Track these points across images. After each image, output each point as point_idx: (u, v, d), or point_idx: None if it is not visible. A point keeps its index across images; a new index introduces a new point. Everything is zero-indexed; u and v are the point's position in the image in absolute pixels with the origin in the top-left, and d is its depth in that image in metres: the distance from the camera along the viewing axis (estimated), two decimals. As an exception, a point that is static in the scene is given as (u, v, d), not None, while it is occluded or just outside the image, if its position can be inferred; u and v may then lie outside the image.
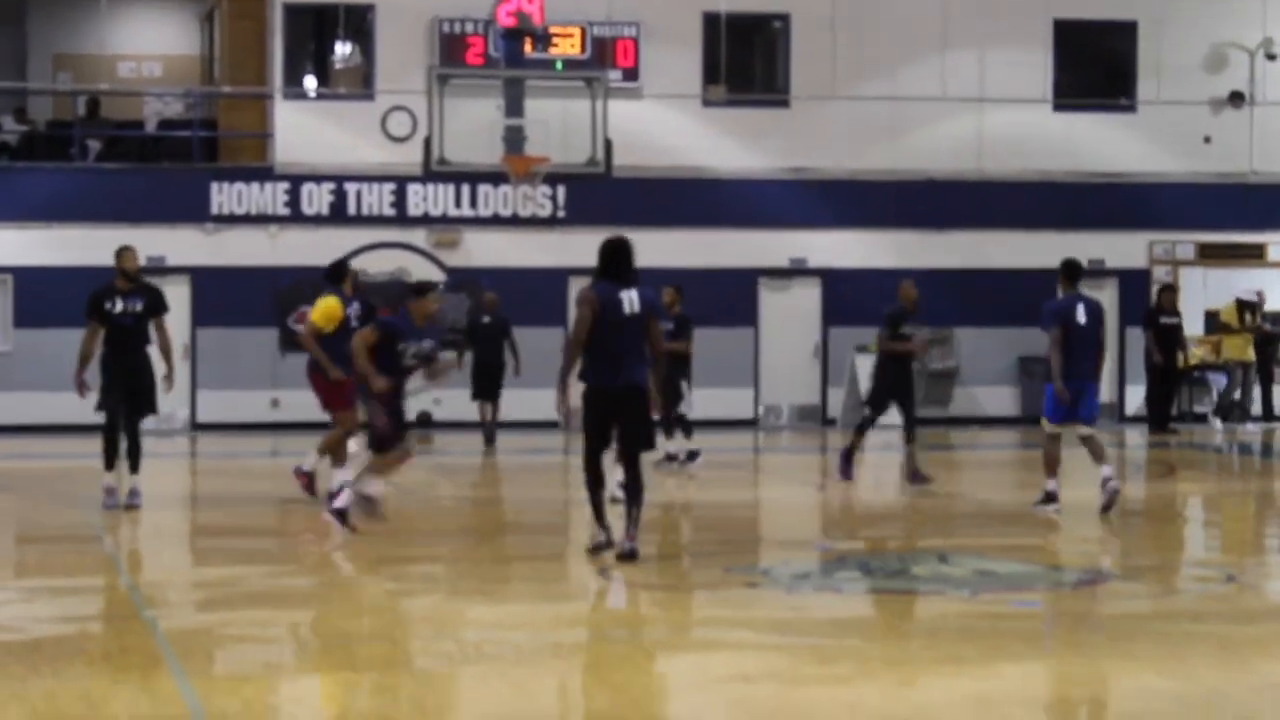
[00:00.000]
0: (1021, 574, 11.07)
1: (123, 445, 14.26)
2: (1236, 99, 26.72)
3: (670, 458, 18.03)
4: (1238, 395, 25.59)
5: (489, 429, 21.63)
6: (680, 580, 11.10)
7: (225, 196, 24.74)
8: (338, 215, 24.93)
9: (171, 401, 21.76)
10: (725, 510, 15.40)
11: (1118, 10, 26.68)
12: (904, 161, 26.05)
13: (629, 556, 11.04)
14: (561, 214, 25.22)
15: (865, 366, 25.33)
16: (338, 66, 25.04)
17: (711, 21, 25.40)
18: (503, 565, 11.82)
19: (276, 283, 24.51)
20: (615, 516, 11.40)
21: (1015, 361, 25.98)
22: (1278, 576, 12.06)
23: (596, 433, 11.18)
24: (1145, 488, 17.14)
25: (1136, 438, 23.44)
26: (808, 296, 26.16)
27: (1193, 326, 25.72)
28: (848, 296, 25.78)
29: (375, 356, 12.42)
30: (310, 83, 25.55)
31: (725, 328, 25.00)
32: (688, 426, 18.28)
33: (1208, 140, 26.72)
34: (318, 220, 24.89)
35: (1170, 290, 24.72)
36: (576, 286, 19.68)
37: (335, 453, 14.35)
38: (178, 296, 22.68)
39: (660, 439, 15.02)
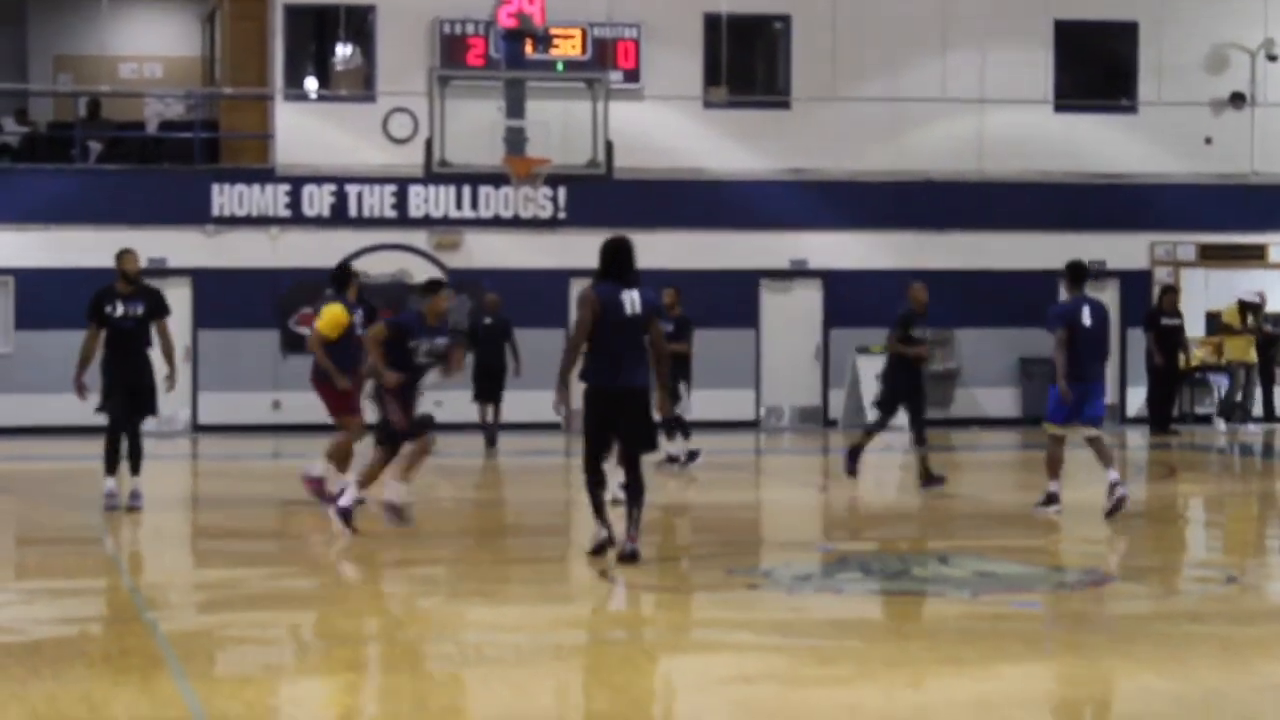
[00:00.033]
0: (1022, 575, 11.07)
1: (123, 447, 14.27)
2: (1237, 100, 26.73)
3: (671, 459, 18.04)
4: (1239, 397, 25.58)
5: (490, 431, 21.63)
6: (681, 582, 11.10)
7: (226, 198, 24.76)
8: (339, 217, 24.95)
9: (173, 403, 21.81)
10: (726, 512, 15.40)
11: (1118, 11, 26.69)
12: (905, 162, 26.06)
13: (630, 558, 11.03)
14: (562, 215, 25.23)
15: (866, 367, 25.37)
16: (339, 68, 25.04)
17: (712, 23, 25.42)
18: (504, 567, 11.82)
19: (278, 284, 24.53)
20: (616, 518, 11.40)
21: (1016, 362, 26.00)
22: (1278, 578, 12.05)
23: (597, 434, 11.17)
24: (1146, 489, 17.13)
25: (1138, 439, 23.44)
26: (809, 298, 26.17)
27: (1194, 328, 25.73)
28: (849, 298, 25.79)
29: (386, 353, 12.46)
30: (311, 84, 25.55)
31: (726, 329, 25.01)
32: (685, 427, 18.29)
33: (1209, 141, 26.75)
34: (319, 222, 24.90)
35: (1171, 291, 24.72)
36: (577, 288, 19.70)
37: (343, 458, 14.35)
38: (179, 298, 22.70)
39: (661, 440, 15.03)
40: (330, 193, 24.97)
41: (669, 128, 25.52)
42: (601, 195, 24.26)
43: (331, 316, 14.26)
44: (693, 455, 18.29)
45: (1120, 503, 13.71)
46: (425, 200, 25.09)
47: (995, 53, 26.16)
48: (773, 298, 26.09)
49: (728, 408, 24.97)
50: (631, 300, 11.06)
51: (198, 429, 24.49)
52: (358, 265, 21.30)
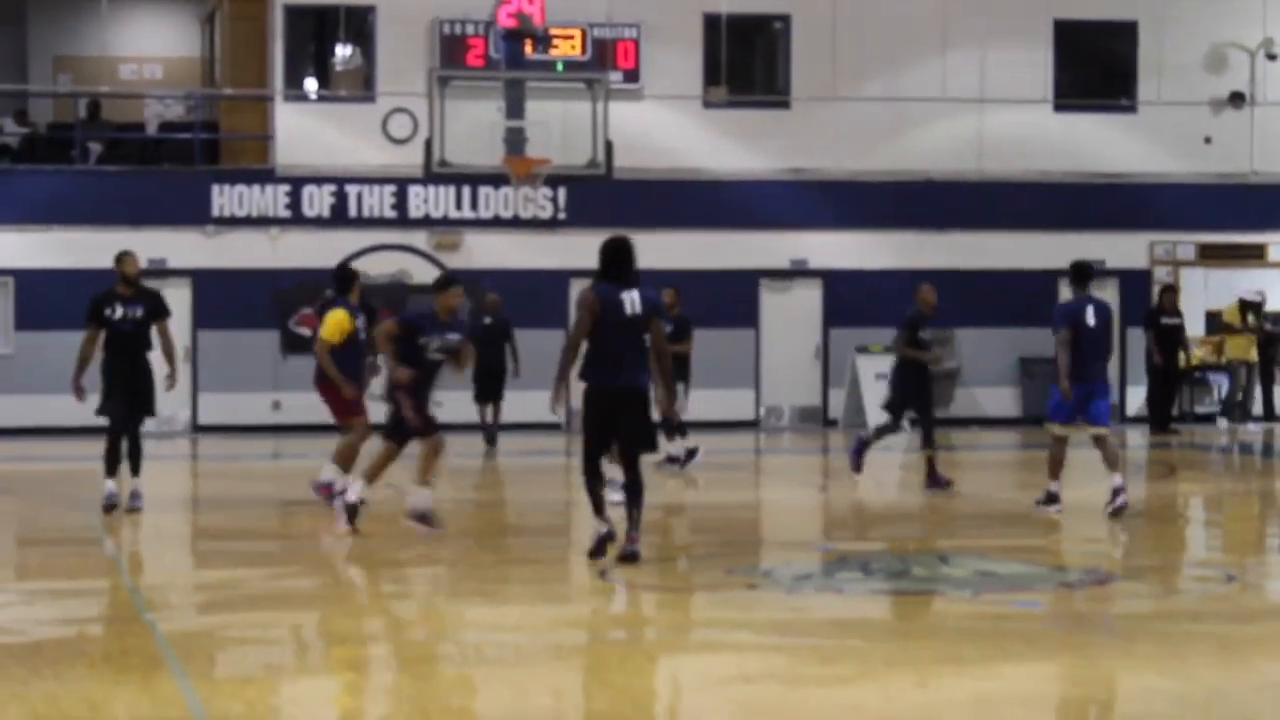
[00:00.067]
0: (1023, 574, 11.07)
1: (123, 448, 14.25)
2: (1237, 99, 26.73)
3: (672, 459, 18.03)
4: (1240, 396, 25.59)
5: (490, 431, 21.63)
6: (681, 582, 11.10)
7: (226, 199, 24.76)
8: (339, 217, 24.95)
9: (173, 404, 21.82)
10: (726, 511, 15.40)
11: (1118, 10, 26.68)
12: (904, 162, 26.06)
13: (630, 558, 11.02)
14: (562, 215, 25.23)
15: (866, 367, 25.39)
16: (338, 68, 25.05)
17: (712, 23, 25.41)
18: (504, 567, 11.82)
19: (278, 285, 24.53)
20: (616, 518, 11.37)
21: (1016, 362, 26.01)
22: (1278, 576, 12.05)
23: (597, 434, 11.15)
24: (1146, 488, 17.13)
25: (1137, 438, 23.44)
26: (808, 298, 26.17)
27: (1194, 327, 25.74)
28: (848, 298, 25.80)
29: (397, 350, 12.47)
30: (311, 85, 25.54)
31: (726, 329, 25.01)
32: (681, 427, 18.26)
33: (1208, 140, 26.74)
34: (319, 222, 24.90)
35: (1171, 291, 24.73)
36: (577, 288, 19.69)
37: (350, 460, 14.36)
38: (179, 299, 22.73)
39: (661, 440, 15.02)
40: (330, 193, 24.97)
41: (669, 128, 25.53)
42: (601, 195, 24.26)
43: (335, 322, 14.26)
44: (691, 453, 18.29)
45: (1122, 510, 13.71)
46: (425, 201, 25.09)
47: (995, 52, 26.16)
48: (772, 298, 26.09)
49: (727, 408, 24.98)
50: (632, 300, 11.03)
51: (198, 429, 24.49)
52: (357, 265, 21.36)
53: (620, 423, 11.08)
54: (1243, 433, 24.56)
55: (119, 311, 14.04)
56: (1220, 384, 26.01)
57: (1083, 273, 14.28)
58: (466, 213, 25.19)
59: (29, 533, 14.24)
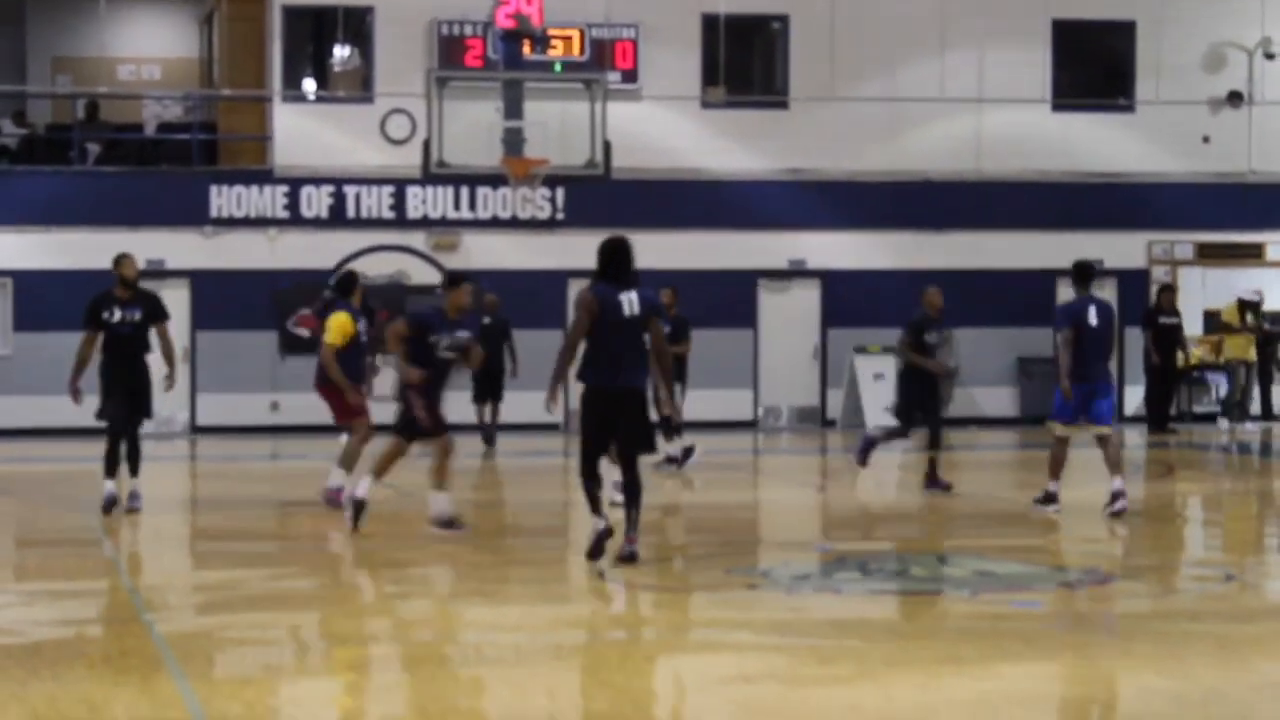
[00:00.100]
0: (1021, 574, 11.10)
1: (122, 449, 14.26)
2: (1235, 99, 26.76)
3: (670, 460, 18.04)
4: (1239, 395, 25.61)
5: (489, 431, 21.64)
6: (680, 582, 11.12)
7: (224, 199, 24.77)
8: (337, 218, 24.96)
9: (171, 404, 21.83)
10: (725, 512, 15.41)
11: (1116, 10, 26.72)
12: (903, 162, 26.08)
13: (629, 559, 11.04)
14: (561, 216, 25.25)
15: (864, 367, 25.42)
16: (336, 69, 25.07)
17: (710, 23, 25.44)
18: (503, 568, 11.83)
19: (276, 286, 24.54)
20: (615, 519, 11.37)
21: (1014, 362, 26.04)
22: (1277, 576, 12.09)
23: (595, 434, 11.15)
24: (1145, 487, 17.14)
25: (1135, 438, 23.46)
26: (807, 298, 26.19)
27: (1192, 326, 25.77)
28: (847, 298, 25.82)
29: (408, 349, 12.47)
30: (310, 85, 25.55)
31: (724, 329, 25.04)
32: (677, 427, 18.25)
33: (1206, 140, 26.77)
34: (317, 223, 24.92)
35: (1169, 290, 24.76)
36: (576, 288, 19.68)
37: (354, 462, 14.36)
38: (177, 300, 22.74)
39: (660, 441, 15.03)
40: (328, 194, 24.99)
41: (667, 128, 25.55)
42: (600, 196, 24.28)
43: (339, 326, 14.30)
44: (688, 452, 18.29)
45: (1119, 514, 13.71)
46: (423, 201, 25.11)
47: (993, 52, 26.19)
48: (771, 298, 26.11)
49: (726, 408, 25.00)
50: (630, 301, 11.04)
51: (196, 430, 24.50)
52: (355, 266, 21.39)
53: (618, 423, 11.07)
54: (1241, 432, 24.58)
55: (117, 314, 14.02)
56: (1218, 383, 26.03)
57: (1085, 272, 14.29)
58: (465, 213, 25.21)
59: (28, 534, 14.26)
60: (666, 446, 17.74)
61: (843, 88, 25.76)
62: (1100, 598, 10.44)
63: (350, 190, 25.02)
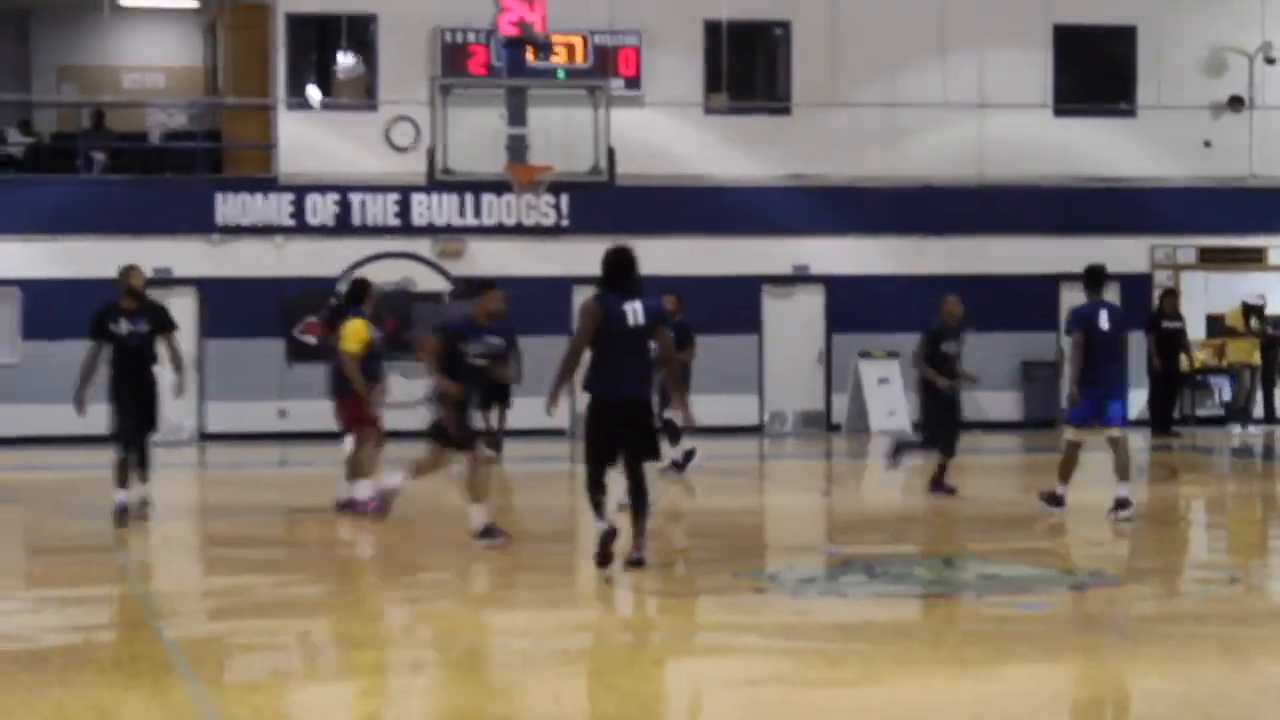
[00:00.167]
0: (1026, 577, 11.12)
1: (132, 458, 14.28)
2: (1236, 103, 26.81)
3: (676, 465, 18.09)
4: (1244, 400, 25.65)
5: (495, 437, 21.66)
6: (687, 586, 11.14)
7: (230, 207, 24.85)
8: (342, 225, 25.03)
9: (179, 412, 21.88)
10: (731, 516, 15.45)
11: (1117, 15, 26.77)
12: (905, 167, 26.14)
13: (636, 564, 11.07)
14: (565, 222, 25.30)
15: (869, 372, 25.48)
16: (340, 77, 25.13)
17: (713, 30, 25.51)
18: (510, 573, 11.85)
19: (282, 293, 24.59)
20: (623, 525, 11.36)
21: (1018, 366, 26.09)
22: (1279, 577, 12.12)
23: (601, 445, 11.14)
24: (1149, 491, 17.18)
25: (1139, 441, 23.47)
26: (810, 303, 26.24)
27: (1194, 331, 25.81)
28: (850, 303, 25.87)
29: (442, 361, 12.51)
30: (316, 93, 25.59)
31: (729, 335, 25.08)
32: (676, 432, 18.28)
33: (1208, 144, 26.80)
34: (322, 231, 24.98)
35: (1172, 295, 24.80)
36: (580, 295, 19.76)
37: (363, 469, 14.39)
38: (184, 308, 22.81)
39: (665, 447, 15.07)
40: (333, 202, 25.06)
41: (670, 134, 25.62)
42: (604, 202, 24.34)
43: (355, 332, 14.33)
44: (689, 455, 18.31)
45: (1123, 522, 13.66)
46: (428, 208, 25.17)
47: (994, 57, 26.26)
48: (775, 303, 26.17)
49: (731, 413, 25.03)
50: (634, 311, 11.07)
51: (204, 438, 24.56)
52: (361, 273, 21.42)
53: (623, 433, 11.08)
54: (1244, 435, 24.61)
55: (124, 326, 13.95)
56: (1221, 387, 26.06)
57: (1096, 277, 14.28)
58: (470, 220, 25.27)
59: (37, 541, 14.28)
60: (669, 451, 17.78)
61: (845, 93, 25.83)
62: (1105, 600, 10.46)
63: (355, 198, 25.09)
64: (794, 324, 26.11)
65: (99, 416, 14.19)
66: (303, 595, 10.94)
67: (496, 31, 22.12)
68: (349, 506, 14.39)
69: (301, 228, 24.93)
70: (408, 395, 18.91)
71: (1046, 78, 26.55)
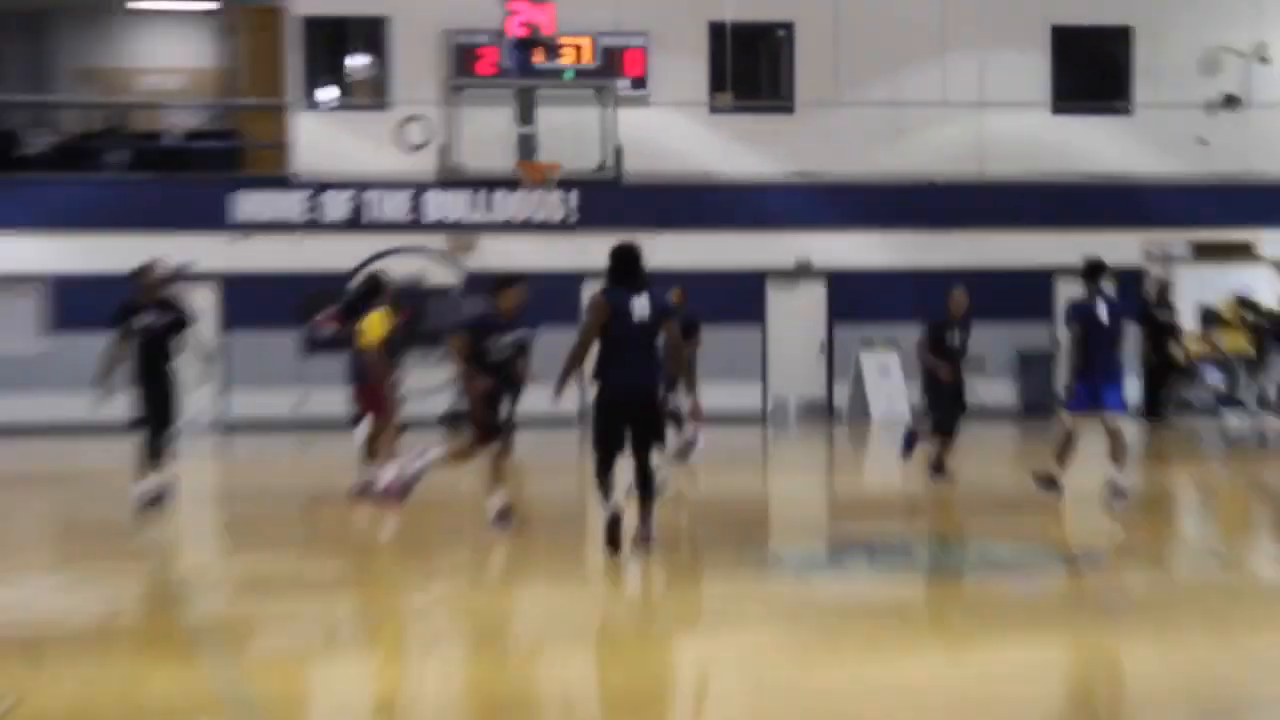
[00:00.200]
0: (1023, 557, 11.26)
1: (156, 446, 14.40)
2: (1231, 101, 27.01)
3: (681, 451, 18.41)
4: (1237, 389, 25.95)
5: (505, 426, 21.89)
6: (693, 567, 11.25)
7: (248, 205, 25.21)
8: (356, 222, 25.38)
9: (201, 402, 22.27)
10: (736, 500, 15.47)
11: (1114, 16, 26.94)
12: (906, 165, 26.29)
13: (644, 544, 11.14)
14: (574, 218, 25.50)
15: (869, 362, 25.84)
16: (354, 78, 25.42)
17: (717, 31, 25.68)
18: (521, 554, 11.85)
19: (300, 288, 24.90)
20: (631, 510, 11.38)
21: (1014, 356, 26.41)
22: (1269, 558, 12.17)
23: (609, 437, 11.22)
24: (1141, 476, 17.36)
25: (1133, 428, 23.67)
26: (813, 296, 26.55)
27: (1187, 322, 26.09)
28: (851, 295, 26.18)
29: (470, 359, 12.53)
30: (329, 92, 25.90)
31: (734, 326, 25.39)
32: (679, 420, 18.56)
33: (1203, 142, 26.95)
34: (337, 227, 25.31)
35: (1165, 287, 25.11)
36: (589, 289, 20.12)
37: (380, 453, 14.59)
38: (204, 302, 23.20)
39: (670, 434, 15.35)
40: (348, 199, 25.41)
41: (676, 133, 25.79)
42: (612, 198, 24.59)
43: (378, 324, 14.49)
44: (691, 444, 18.54)
45: (1116, 505, 13.71)
46: (440, 205, 25.50)
47: (994, 57, 26.48)
48: (778, 296, 26.46)
49: (736, 401, 25.29)
50: (641, 305, 11.19)
51: (225, 427, 24.83)
52: (375, 269, 21.76)
53: (630, 422, 11.19)
54: (1235, 424, 24.91)
55: (146, 320, 14.10)
56: (1214, 378, 26.40)
57: (1095, 270, 14.38)
58: (481, 216, 25.57)
59: (63, 526, 14.40)
60: (673, 438, 18.06)
61: (847, 93, 26.03)
62: (1098, 579, 10.61)
63: (369, 195, 25.43)
64: (797, 316, 26.41)
65: (120, 406, 14.20)
66: (323, 576, 10.92)
67: (505, 33, 22.43)
68: (367, 491, 14.55)
69: (316, 224, 25.24)
70: (423, 383, 19.24)
71: (1045, 77, 26.78)
